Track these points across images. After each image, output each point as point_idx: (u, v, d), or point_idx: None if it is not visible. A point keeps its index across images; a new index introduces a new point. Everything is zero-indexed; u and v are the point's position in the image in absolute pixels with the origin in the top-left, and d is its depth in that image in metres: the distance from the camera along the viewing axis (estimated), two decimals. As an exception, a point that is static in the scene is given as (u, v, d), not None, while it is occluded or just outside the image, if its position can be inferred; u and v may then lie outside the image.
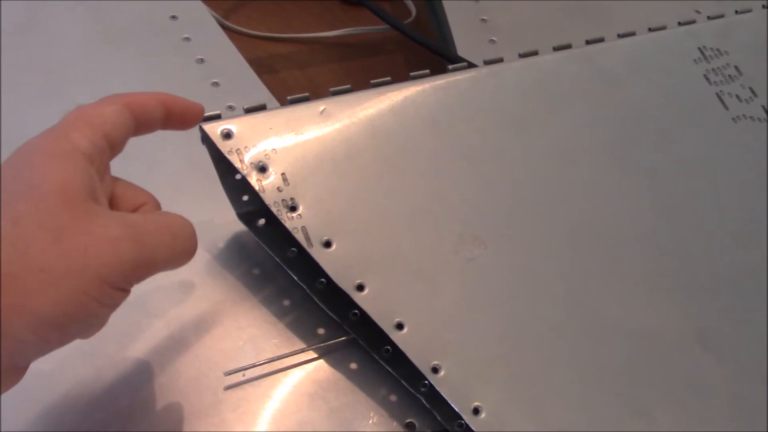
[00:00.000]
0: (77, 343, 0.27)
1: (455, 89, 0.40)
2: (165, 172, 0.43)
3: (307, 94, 0.38)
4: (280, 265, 0.38)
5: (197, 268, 0.40)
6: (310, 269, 0.36)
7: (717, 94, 0.44)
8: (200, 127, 0.36)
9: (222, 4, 0.60)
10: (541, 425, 0.34)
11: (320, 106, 0.38)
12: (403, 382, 0.36)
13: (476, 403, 0.34)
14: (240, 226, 0.39)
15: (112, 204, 0.30)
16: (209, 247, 0.40)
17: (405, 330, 0.34)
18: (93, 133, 0.28)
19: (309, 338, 0.38)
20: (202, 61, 0.47)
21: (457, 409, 0.33)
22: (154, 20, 0.48)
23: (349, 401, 0.36)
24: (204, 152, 0.37)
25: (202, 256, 0.40)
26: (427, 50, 0.54)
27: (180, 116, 0.32)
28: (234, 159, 0.36)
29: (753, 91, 0.45)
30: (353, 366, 0.37)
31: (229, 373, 0.36)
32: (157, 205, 0.32)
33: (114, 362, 0.36)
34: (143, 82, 0.46)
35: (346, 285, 0.35)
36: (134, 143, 0.43)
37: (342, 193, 0.36)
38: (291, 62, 0.62)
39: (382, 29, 0.63)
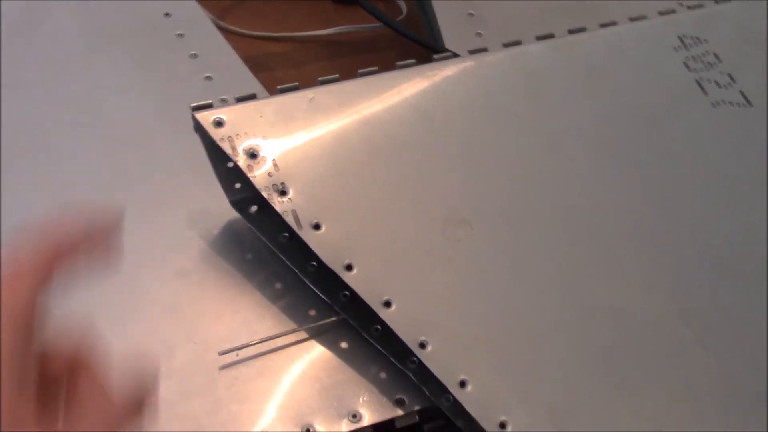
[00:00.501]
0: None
1: (440, 77, 0.41)
2: (159, 163, 0.44)
3: (297, 83, 0.40)
4: (273, 251, 0.39)
5: (192, 255, 0.41)
6: (302, 253, 0.38)
7: (697, 80, 0.46)
8: (193, 115, 0.37)
9: (216, 5, 0.62)
10: (526, 398, 0.35)
11: (309, 94, 0.39)
12: (392, 359, 0.37)
13: (463, 377, 0.35)
14: (233, 214, 0.41)
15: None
16: (204, 234, 0.41)
17: (393, 308, 0.36)
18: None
19: (301, 320, 0.39)
20: (195, 56, 0.49)
21: (444, 383, 0.34)
22: (147, 17, 0.49)
23: (340, 379, 0.37)
24: (197, 142, 0.39)
25: (197, 243, 0.41)
26: (418, 46, 0.55)
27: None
28: (226, 146, 0.37)
29: (732, 77, 0.46)
30: (344, 345, 0.38)
31: (224, 353, 0.37)
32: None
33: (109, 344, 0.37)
34: (137, 77, 0.47)
35: (336, 265, 0.36)
36: (127, 135, 0.45)
37: (331, 178, 0.37)
38: (285, 60, 0.64)
39: (374, 27, 0.64)
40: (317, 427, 0.35)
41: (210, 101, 0.38)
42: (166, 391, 0.36)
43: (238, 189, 0.40)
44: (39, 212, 0.41)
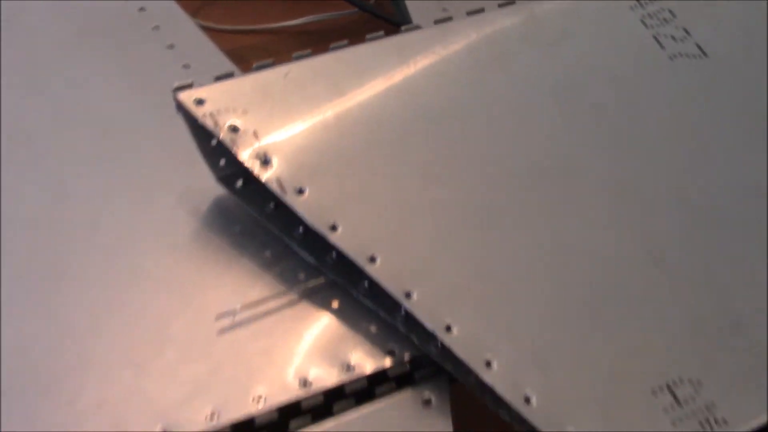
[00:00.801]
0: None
1: (408, 46, 0.43)
2: (145, 149, 0.45)
3: (272, 60, 0.42)
4: (261, 222, 0.41)
5: (183, 233, 0.42)
6: (288, 220, 0.39)
7: (654, 36, 0.48)
8: (174, 96, 0.39)
9: (189, 4, 0.63)
10: (509, 337, 0.37)
11: (284, 70, 0.41)
12: (380, 313, 0.39)
13: (448, 322, 0.36)
14: (221, 190, 0.42)
15: None
16: (193, 212, 0.43)
17: (378, 262, 0.37)
18: None
19: (292, 283, 0.40)
20: (172, 46, 0.50)
21: (430, 329, 0.36)
22: (123, 12, 0.51)
23: (333, 336, 0.39)
24: (180, 126, 0.40)
25: (186, 222, 0.43)
26: (389, 24, 0.57)
27: None
28: (208, 122, 0.39)
29: (687, 31, 0.48)
30: (335, 305, 0.40)
31: (220, 318, 0.39)
32: None
33: (106, 317, 0.39)
34: (116, 69, 0.49)
35: (321, 227, 0.38)
36: (111, 125, 0.47)
37: (310, 144, 0.39)
38: (260, 52, 0.66)
39: (345, 14, 0.67)
40: (312, 379, 0.37)
41: (191, 81, 0.40)
42: (165, 359, 0.37)
43: (223, 165, 0.42)
44: (31, 205, 0.43)
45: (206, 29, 0.62)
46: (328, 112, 0.40)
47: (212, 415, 0.36)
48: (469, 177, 0.41)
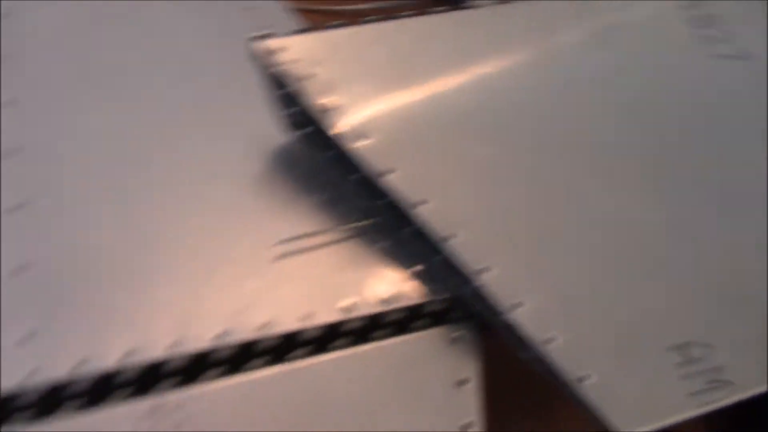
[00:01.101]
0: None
1: (470, 19, 0.47)
2: (221, 91, 0.50)
3: (348, 21, 0.46)
4: (323, 167, 0.45)
5: (250, 170, 0.47)
6: (347, 166, 0.43)
7: (699, 36, 0.51)
8: (249, 44, 0.43)
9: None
10: (542, 284, 0.40)
11: (359, 29, 0.45)
12: (423, 255, 0.42)
13: (485, 265, 0.40)
14: (287, 136, 0.46)
15: None
16: (261, 153, 0.47)
17: (426, 206, 0.41)
18: None
19: (345, 223, 0.44)
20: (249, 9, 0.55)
21: (467, 269, 0.40)
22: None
23: (378, 271, 0.43)
24: (250, 74, 0.45)
25: (254, 161, 0.47)
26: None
27: None
28: (281, 71, 0.43)
29: (731, 32, 0.52)
30: (382, 244, 0.44)
31: (277, 244, 0.43)
32: None
33: (181, 233, 0.43)
34: (203, 23, 0.54)
35: (376, 171, 0.42)
36: (197, 66, 0.51)
37: (376, 95, 0.43)
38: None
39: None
40: (355, 305, 0.41)
41: (268, 31, 0.44)
42: (228, 274, 0.42)
43: (292, 113, 0.46)
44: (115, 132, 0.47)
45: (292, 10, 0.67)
46: (398, 63, 0.44)
47: (265, 325, 0.40)
48: (518, 141, 0.44)
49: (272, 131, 0.47)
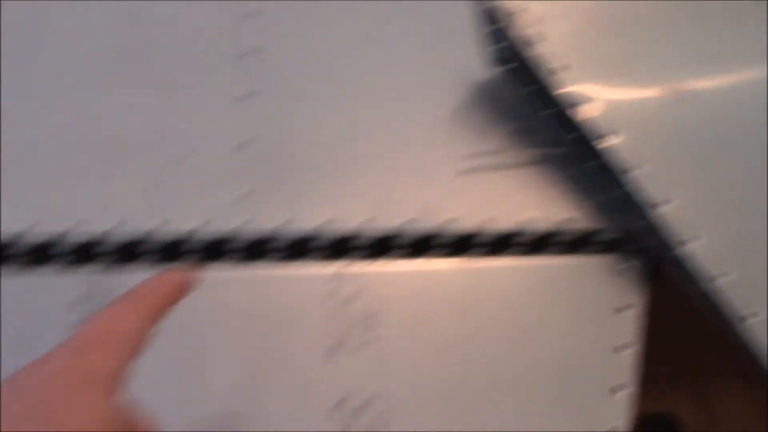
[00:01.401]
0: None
1: None
2: (427, 30, 0.54)
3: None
4: (520, 101, 0.48)
5: (450, 101, 0.51)
6: (545, 100, 0.46)
7: None
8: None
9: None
10: (720, 220, 0.40)
11: None
12: (604, 188, 0.44)
13: (668, 197, 0.41)
14: (489, 70, 0.50)
15: None
16: (461, 86, 0.51)
17: (617, 139, 0.43)
18: (118, 356, 0.25)
19: (535, 148, 0.47)
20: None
21: (649, 200, 0.41)
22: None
23: (559, 195, 0.45)
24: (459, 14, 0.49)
25: (454, 93, 0.51)
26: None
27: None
28: (491, 7, 0.47)
29: None
30: (566, 173, 0.46)
31: (468, 157, 0.46)
32: None
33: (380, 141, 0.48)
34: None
35: (568, 103, 0.44)
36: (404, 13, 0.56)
37: (604, 52, 0.45)
38: None
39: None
40: (535, 220, 0.44)
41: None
42: (415, 176, 0.46)
43: (498, 48, 0.49)
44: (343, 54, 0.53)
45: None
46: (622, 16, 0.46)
47: (450, 221, 0.44)
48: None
49: (477, 67, 0.51)
